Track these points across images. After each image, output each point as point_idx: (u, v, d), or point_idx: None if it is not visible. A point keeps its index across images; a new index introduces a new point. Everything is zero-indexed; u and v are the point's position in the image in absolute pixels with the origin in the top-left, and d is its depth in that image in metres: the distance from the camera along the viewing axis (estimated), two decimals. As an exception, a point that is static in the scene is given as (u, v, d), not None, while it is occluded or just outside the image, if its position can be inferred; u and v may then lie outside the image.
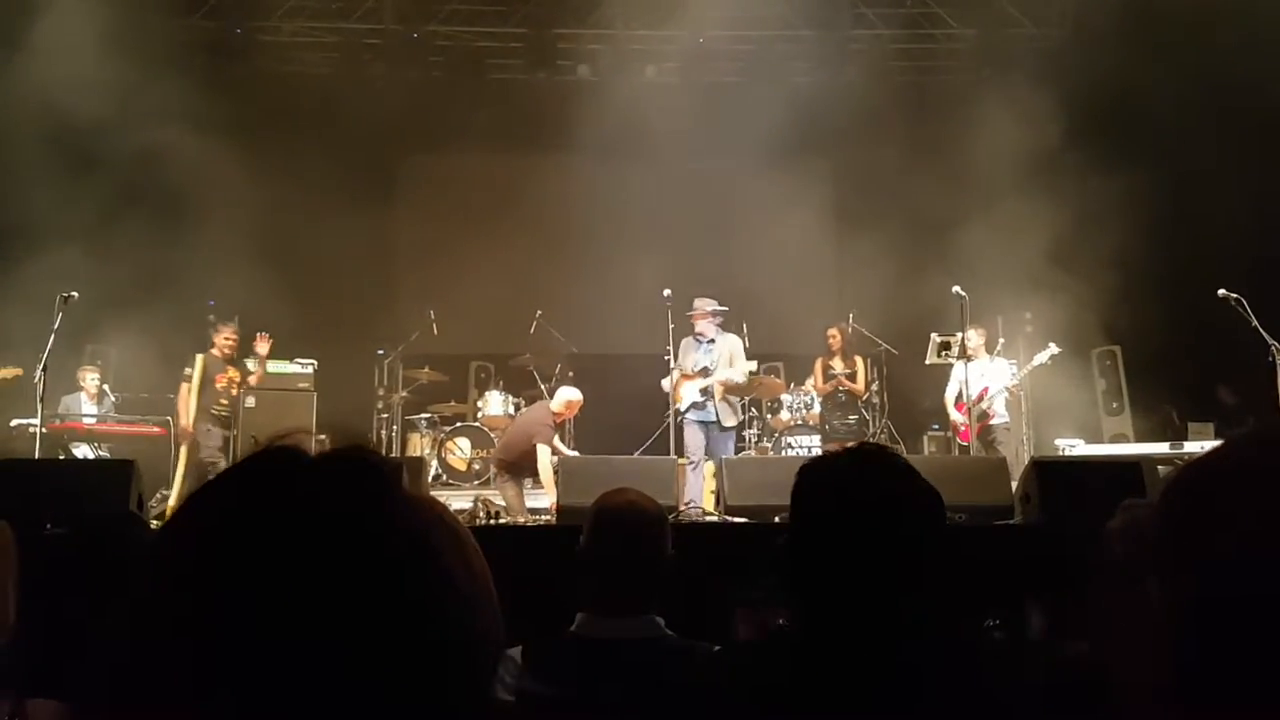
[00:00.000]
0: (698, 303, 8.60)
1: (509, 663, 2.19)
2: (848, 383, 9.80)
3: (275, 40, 10.92)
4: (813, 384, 10.22)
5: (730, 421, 8.59)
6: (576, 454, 8.47)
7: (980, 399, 9.04)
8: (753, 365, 8.89)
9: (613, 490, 2.49)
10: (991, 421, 9.09)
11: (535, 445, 8.05)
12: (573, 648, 2.28)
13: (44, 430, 7.98)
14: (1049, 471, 5.61)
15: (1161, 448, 8.74)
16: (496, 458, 8.58)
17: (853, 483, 1.63)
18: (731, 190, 11.01)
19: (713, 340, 8.59)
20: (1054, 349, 9.07)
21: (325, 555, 0.69)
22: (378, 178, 10.51)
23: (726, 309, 8.69)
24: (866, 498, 1.60)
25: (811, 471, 1.68)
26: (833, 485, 1.64)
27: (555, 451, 8.10)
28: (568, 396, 8.38)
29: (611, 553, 2.36)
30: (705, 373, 8.49)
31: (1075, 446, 9.31)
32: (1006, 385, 9.13)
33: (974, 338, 9.13)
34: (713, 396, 8.45)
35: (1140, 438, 9.84)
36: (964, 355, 8.93)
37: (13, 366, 8.62)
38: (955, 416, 9.31)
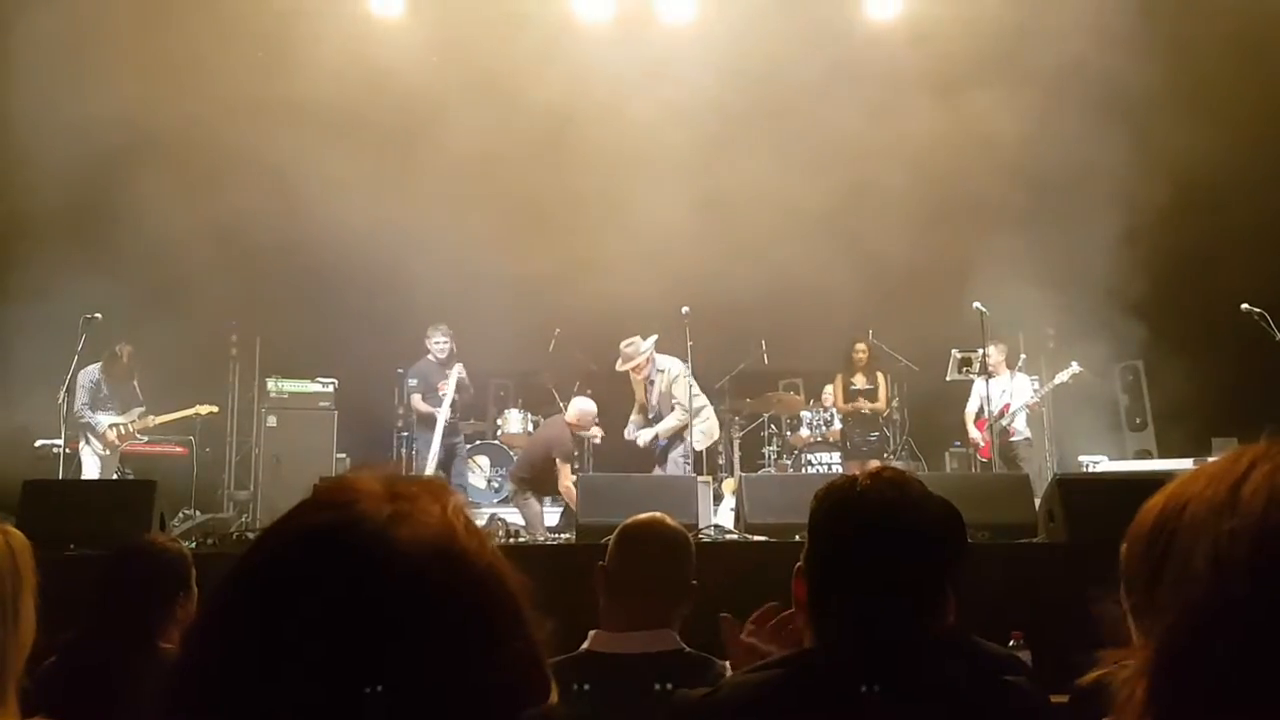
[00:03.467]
0: (629, 349, 8.32)
1: None
2: (869, 403, 9.74)
3: (293, 64, 10.98)
4: (831, 398, 10.18)
5: (699, 444, 8.38)
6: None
7: (1001, 415, 8.99)
8: (702, 401, 8.46)
9: (641, 514, 2.53)
10: (1012, 438, 9.04)
11: (555, 459, 8.06)
12: (587, 663, 2.28)
13: (68, 451, 8.05)
14: (1073, 488, 5.56)
15: (1186, 464, 8.65)
16: (515, 475, 8.62)
17: (871, 507, 1.61)
18: (747, 204, 11.00)
19: (653, 381, 8.40)
20: (1076, 368, 9.00)
21: (396, 587, 0.72)
22: (396, 197, 10.56)
23: (655, 336, 8.46)
24: (886, 522, 1.58)
25: (828, 495, 1.67)
26: (850, 509, 1.63)
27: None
28: (581, 407, 8.39)
29: (634, 571, 2.37)
30: (654, 419, 8.40)
31: (1099, 463, 9.24)
32: (1027, 402, 9.08)
33: (994, 354, 9.08)
34: (679, 441, 8.28)
35: (1164, 453, 9.75)
36: (984, 371, 8.89)
37: (209, 405, 9.03)
38: (974, 434, 9.26)
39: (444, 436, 8.94)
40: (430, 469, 8.58)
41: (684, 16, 10.40)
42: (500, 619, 0.75)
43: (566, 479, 7.97)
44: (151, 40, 9.03)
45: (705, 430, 8.49)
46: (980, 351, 8.97)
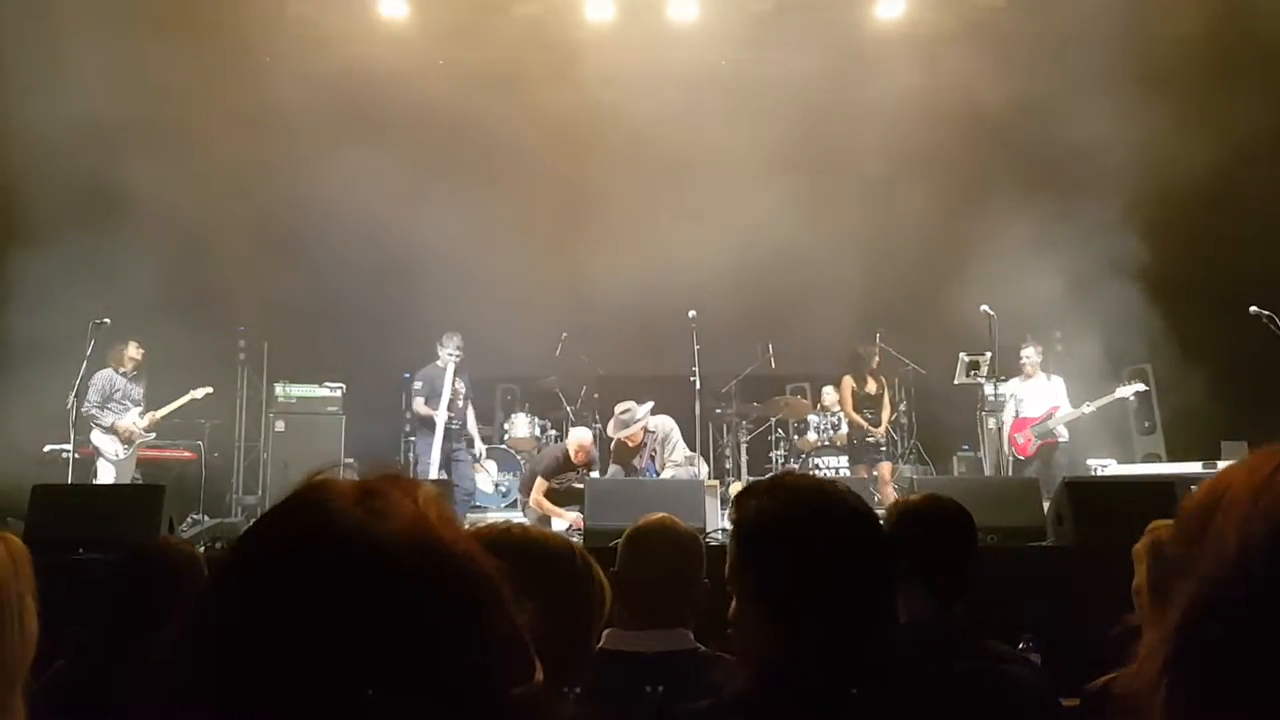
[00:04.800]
0: (624, 416, 8.25)
1: None
2: (873, 427, 9.70)
3: (303, 69, 11.00)
4: (833, 399, 10.17)
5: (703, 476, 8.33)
6: (577, 514, 7.86)
7: (1049, 416, 8.98)
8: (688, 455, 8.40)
9: (649, 516, 2.55)
10: (1058, 441, 9.05)
11: (537, 474, 8.23)
12: (602, 661, 2.29)
13: (77, 456, 8.08)
14: (1081, 492, 5.55)
15: (1195, 467, 8.62)
16: (521, 483, 8.85)
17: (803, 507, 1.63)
18: (756, 210, 11.02)
19: (644, 444, 8.36)
20: (1140, 386, 9.01)
21: (369, 584, 0.73)
22: (403, 202, 10.59)
23: (651, 403, 8.39)
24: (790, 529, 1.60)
25: (767, 510, 1.66)
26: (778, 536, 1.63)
27: (546, 500, 8.12)
28: (578, 438, 8.41)
29: (644, 572, 2.38)
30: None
31: (1108, 466, 9.21)
32: (1083, 411, 9.03)
33: (1032, 354, 9.07)
34: None
35: (1173, 457, 9.71)
36: (991, 374, 8.87)
37: (204, 387, 9.11)
38: (1006, 447, 9.21)
39: (443, 440, 9.04)
40: (434, 473, 8.64)
41: (688, 16, 10.39)
42: (480, 603, 0.77)
43: (538, 492, 8.13)
44: (161, 47, 9.05)
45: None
46: (988, 355, 8.96)
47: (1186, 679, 0.81)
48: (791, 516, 1.63)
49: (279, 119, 10.07)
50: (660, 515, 2.53)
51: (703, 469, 8.65)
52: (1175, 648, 0.82)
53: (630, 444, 8.33)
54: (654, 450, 8.34)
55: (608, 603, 1.72)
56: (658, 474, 8.25)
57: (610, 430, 8.45)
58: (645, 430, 8.34)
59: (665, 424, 8.41)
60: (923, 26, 10.47)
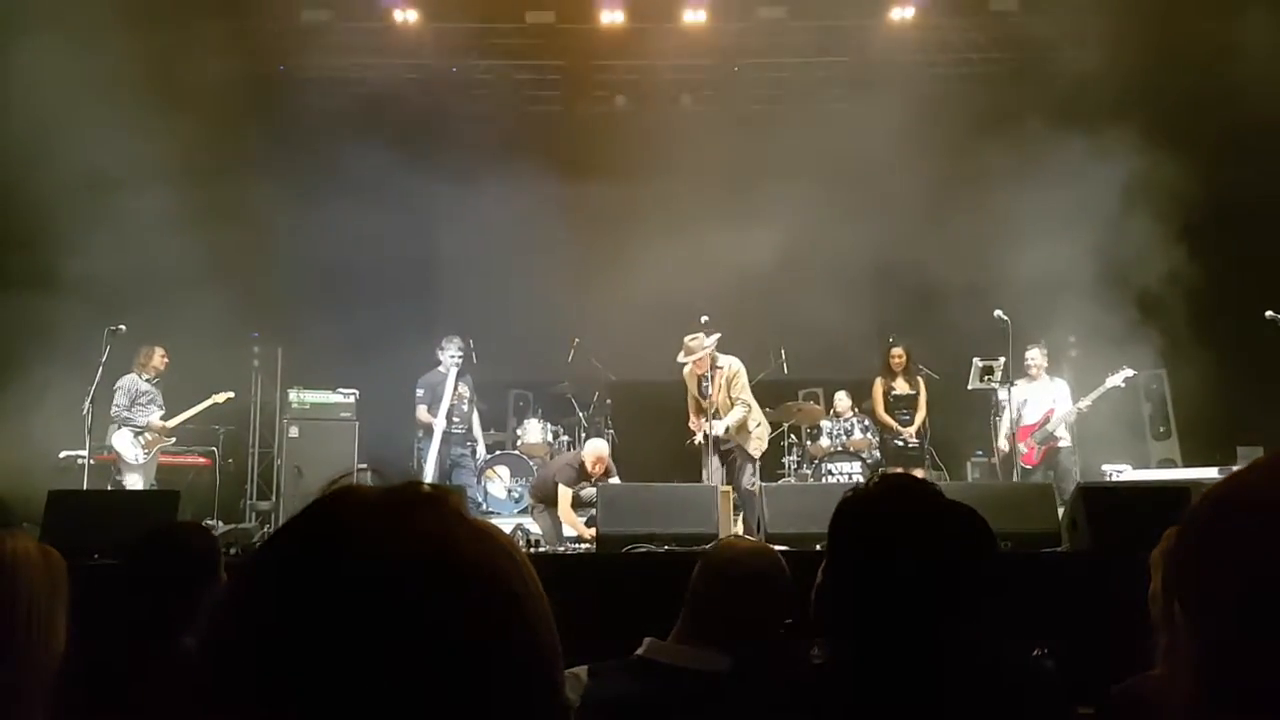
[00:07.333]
0: (692, 343, 8.29)
1: (574, 680, 2.20)
2: (905, 429, 9.64)
3: (316, 77, 11.06)
4: (845, 404, 10.13)
5: (755, 449, 8.41)
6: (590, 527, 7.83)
7: (1045, 421, 8.92)
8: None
9: (740, 539, 2.55)
10: (1059, 445, 8.99)
11: (557, 484, 8.18)
12: (636, 669, 2.29)
13: (92, 462, 8.13)
14: (1096, 498, 5.53)
15: (1210, 472, 8.58)
16: (531, 491, 8.85)
17: (890, 515, 1.62)
18: (766, 216, 11.03)
19: (709, 377, 8.37)
20: (1128, 371, 8.91)
21: (397, 593, 0.71)
22: (417, 209, 10.62)
23: (719, 335, 8.40)
24: (905, 529, 1.59)
25: (848, 507, 1.67)
26: (870, 519, 1.63)
27: (572, 512, 8.07)
28: (594, 450, 8.39)
29: (699, 589, 2.40)
30: (714, 413, 8.35)
31: (1123, 472, 9.17)
32: (1080, 407, 8.97)
33: (1037, 356, 9.01)
34: (730, 436, 8.32)
35: (1188, 462, 9.67)
36: (1005, 379, 8.82)
37: (225, 392, 9.27)
38: (1002, 444, 9.15)
39: (443, 445, 9.04)
40: (430, 478, 8.64)
41: (700, 22, 10.40)
42: (505, 625, 0.73)
43: (565, 504, 8.07)
44: (174, 54, 9.11)
45: (760, 434, 8.55)
46: (1002, 360, 8.93)
47: (1219, 685, 0.80)
48: (835, 529, 1.65)
49: (292, 124, 10.12)
50: (744, 542, 2.53)
51: (765, 430, 8.64)
52: (1206, 655, 0.81)
53: (696, 370, 8.39)
54: (720, 384, 8.33)
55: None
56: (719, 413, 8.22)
57: (680, 358, 8.43)
58: (713, 364, 8.35)
59: (735, 363, 8.44)
60: (936, 30, 10.46)
